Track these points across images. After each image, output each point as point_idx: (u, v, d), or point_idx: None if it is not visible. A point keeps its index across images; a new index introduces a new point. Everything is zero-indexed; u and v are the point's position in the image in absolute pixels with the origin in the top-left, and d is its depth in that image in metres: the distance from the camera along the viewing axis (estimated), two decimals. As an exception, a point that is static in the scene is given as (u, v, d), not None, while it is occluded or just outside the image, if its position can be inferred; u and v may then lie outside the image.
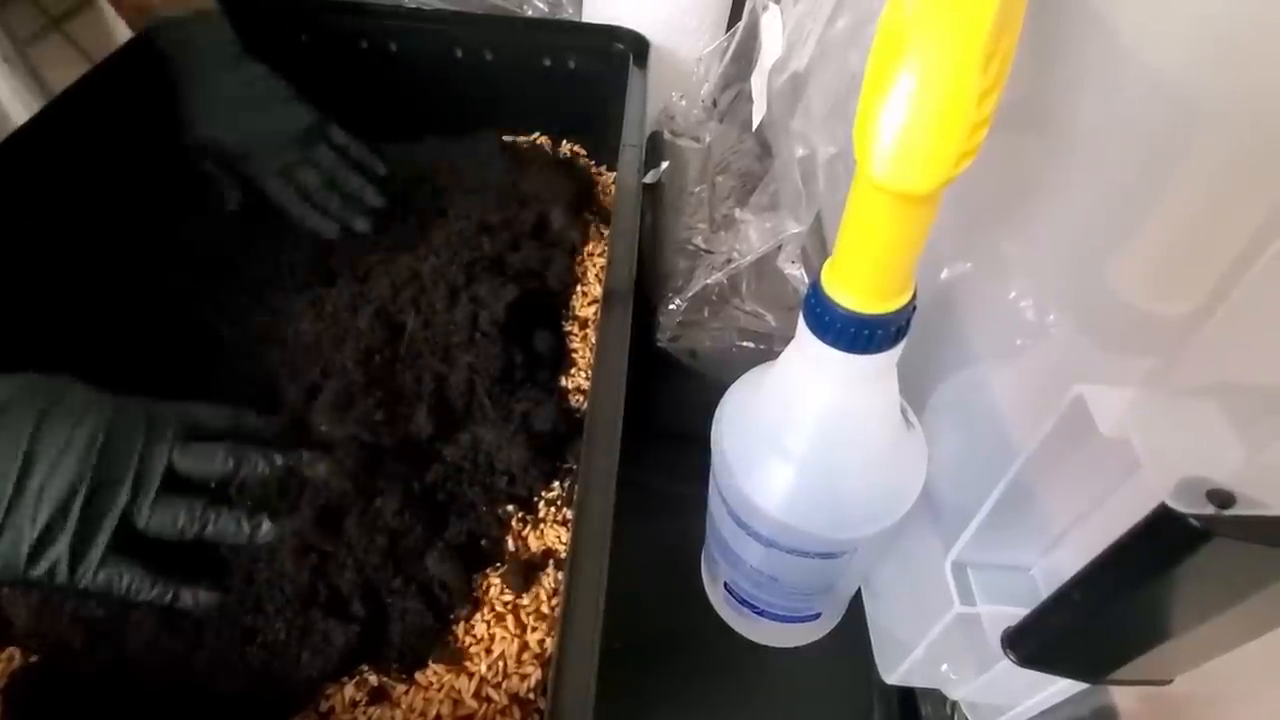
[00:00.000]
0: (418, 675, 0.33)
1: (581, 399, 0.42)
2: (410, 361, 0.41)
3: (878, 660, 0.39)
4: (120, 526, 0.31)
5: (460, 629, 0.34)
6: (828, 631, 0.43)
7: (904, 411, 0.31)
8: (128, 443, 0.32)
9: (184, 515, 0.32)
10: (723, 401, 0.34)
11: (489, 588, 0.35)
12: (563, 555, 0.36)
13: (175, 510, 0.32)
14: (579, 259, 0.50)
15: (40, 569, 0.30)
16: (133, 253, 0.47)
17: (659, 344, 0.46)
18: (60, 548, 0.30)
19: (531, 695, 0.33)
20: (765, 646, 0.42)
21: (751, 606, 0.39)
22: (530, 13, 0.65)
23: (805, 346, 0.26)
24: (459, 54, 0.57)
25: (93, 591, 0.31)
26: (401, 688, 0.33)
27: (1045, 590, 0.29)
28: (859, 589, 0.42)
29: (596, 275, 0.49)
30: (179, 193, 0.51)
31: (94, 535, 0.31)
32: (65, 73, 0.48)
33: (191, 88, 0.49)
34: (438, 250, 0.48)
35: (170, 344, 0.43)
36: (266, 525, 0.33)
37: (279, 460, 0.34)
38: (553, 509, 0.38)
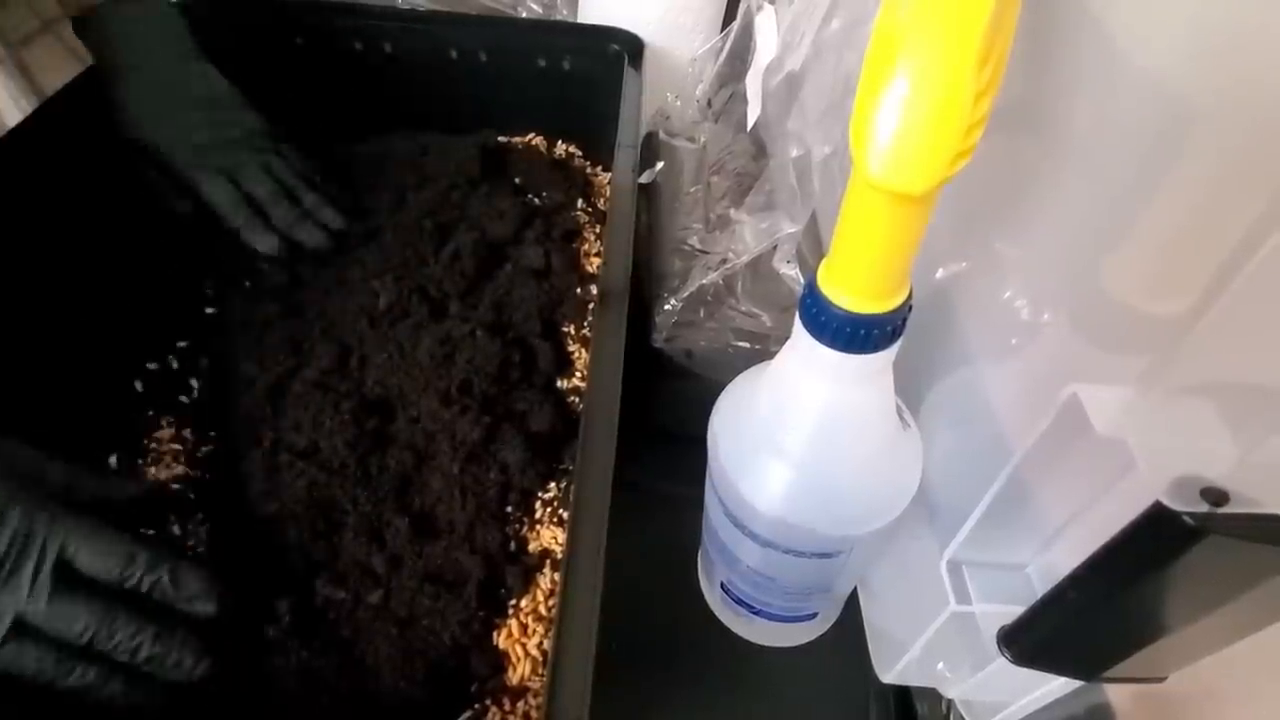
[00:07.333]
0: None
1: (578, 400, 0.42)
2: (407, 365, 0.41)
3: (874, 659, 0.39)
4: None
5: (457, 630, 0.34)
6: (824, 631, 0.43)
7: (900, 411, 0.31)
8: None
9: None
10: (719, 401, 0.34)
11: (485, 589, 0.35)
12: (559, 556, 0.36)
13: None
14: (574, 260, 0.50)
15: None
16: (126, 254, 0.47)
17: (655, 344, 0.46)
18: None
19: (528, 696, 0.33)
20: (762, 646, 0.42)
21: (748, 606, 0.39)
22: (525, 14, 0.65)
23: (801, 346, 0.26)
24: (454, 55, 0.57)
25: None
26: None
27: (1040, 589, 0.29)
28: (855, 588, 0.42)
29: (592, 276, 0.49)
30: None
31: None
32: (59, 75, 0.48)
33: (126, 80, 0.44)
34: (431, 253, 0.48)
35: (162, 344, 0.43)
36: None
37: (150, 633, 0.28)
38: (549, 510, 0.38)
